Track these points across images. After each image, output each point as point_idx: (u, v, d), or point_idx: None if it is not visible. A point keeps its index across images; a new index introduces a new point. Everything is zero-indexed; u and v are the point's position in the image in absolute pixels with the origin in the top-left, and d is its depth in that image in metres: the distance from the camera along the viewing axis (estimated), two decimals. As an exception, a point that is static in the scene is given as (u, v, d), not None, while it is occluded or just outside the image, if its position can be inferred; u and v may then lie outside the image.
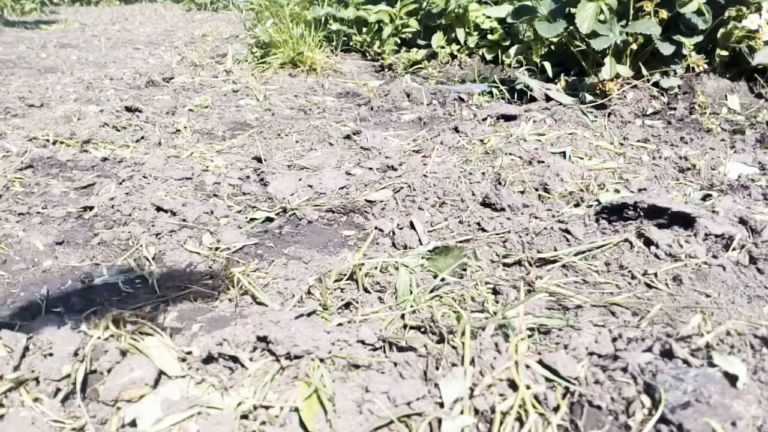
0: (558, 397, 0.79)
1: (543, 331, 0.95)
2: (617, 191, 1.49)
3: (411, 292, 1.07)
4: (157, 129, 2.22)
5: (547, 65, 2.70)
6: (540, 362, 0.84)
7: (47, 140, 2.02)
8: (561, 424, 0.77)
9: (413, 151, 1.97)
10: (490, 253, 1.24)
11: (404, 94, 2.68)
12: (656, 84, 2.41)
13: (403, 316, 1.01)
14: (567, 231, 1.28)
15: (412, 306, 1.03)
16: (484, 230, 1.35)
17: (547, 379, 0.82)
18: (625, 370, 0.81)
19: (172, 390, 0.83)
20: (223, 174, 1.75)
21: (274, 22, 3.49)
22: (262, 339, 0.90)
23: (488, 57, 3.26)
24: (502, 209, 1.44)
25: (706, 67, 2.31)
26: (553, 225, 1.31)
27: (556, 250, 1.22)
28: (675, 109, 2.31)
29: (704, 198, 1.45)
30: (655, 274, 1.09)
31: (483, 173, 1.68)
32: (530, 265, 1.18)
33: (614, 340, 0.89)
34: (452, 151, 1.92)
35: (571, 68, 2.68)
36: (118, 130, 2.20)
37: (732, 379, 0.77)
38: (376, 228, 1.38)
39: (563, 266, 1.16)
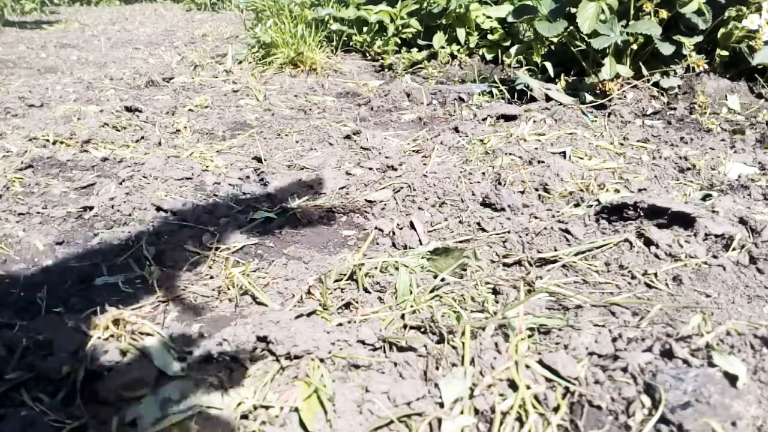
0: (558, 397, 0.79)
1: (543, 331, 0.95)
2: (617, 191, 1.49)
3: (411, 292, 1.07)
4: (157, 129, 2.22)
5: (549, 65, 2.70)
6: (540, 362, 0.84)
7: (47, 140, 2.02)
8: (561, 424, 0.77)
9: (413, 151, 1.97)
10: (490, 253, 1.24)
11: (404, 94, 2.68)
12: (656, 84, 2.40)
13: (403, 316, 1.01)
14: (567, 231, 1.28)
15: (412, 306, 1.03)
16: (484, 230, 1.35)
17: (547, 379, 0.82)
18: (625, 370, 0.81)
19: (172, 390, 0.83)
20: (223, 174, 1.75)
21: (275, 22, 3.49)
22: (262, 339, 0.90)
23: (488, 57, 3.26)
24: (502, 209, 1.44)
25: (706, 67, 2.31)
26: (553, 225, 1.31)
27: (556, 250, 1.22)
28: (675, 109, 2.31)
29: (704, 198, 1.45)
30: (655, 274, 1.09)
31: (483, 173, 1.68)
32: (530, 265, 1.18)
33: (614, 340, 0.89)
34: (452, 151, 1.92)
35: (571, 68, 2.68)
36: (118, 130, 2.20)
37: (732, 379, 0.77)
38: (376, 228, 1.38)
39: (563, 266, 1.16)
